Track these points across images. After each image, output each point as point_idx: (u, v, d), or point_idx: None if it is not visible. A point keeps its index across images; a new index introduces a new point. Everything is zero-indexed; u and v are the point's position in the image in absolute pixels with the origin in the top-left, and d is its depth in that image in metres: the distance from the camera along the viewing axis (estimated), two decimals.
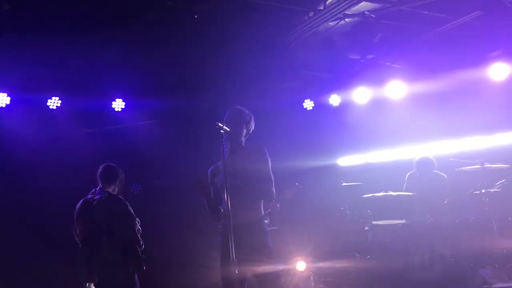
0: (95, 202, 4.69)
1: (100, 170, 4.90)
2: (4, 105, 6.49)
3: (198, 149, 7.02)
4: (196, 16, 5.96)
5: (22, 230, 6.43)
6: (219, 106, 7.14)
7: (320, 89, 8.46)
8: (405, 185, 6.84)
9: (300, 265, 6.89)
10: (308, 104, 8.55)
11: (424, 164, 6.76)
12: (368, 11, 6.18)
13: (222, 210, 3.72)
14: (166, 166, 7.43)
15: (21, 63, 6.35)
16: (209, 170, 4.11)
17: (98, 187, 4.84)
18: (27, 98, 6.69)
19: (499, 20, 6.11)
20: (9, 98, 6.52)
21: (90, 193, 4.84)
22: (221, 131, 3.69)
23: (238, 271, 3.36)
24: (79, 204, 4.80)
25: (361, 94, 8.02)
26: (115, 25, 6.02)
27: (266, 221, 4.00)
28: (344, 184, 7.21)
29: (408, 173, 6.93)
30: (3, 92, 6.48)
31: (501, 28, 6.29)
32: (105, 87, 7.29)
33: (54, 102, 6.90)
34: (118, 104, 7.43)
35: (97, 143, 7.07)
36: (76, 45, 6.25)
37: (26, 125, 6.69)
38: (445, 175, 6.66)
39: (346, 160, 8.77)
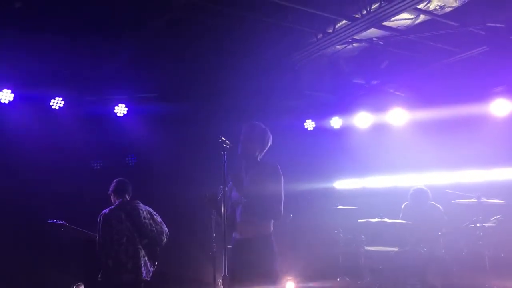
0: (138, 209, 5.21)
1: (119, 184, 5.34)
2: (7, 102, 6.48)
3: (199, 159, 7.04)
4: None
5: (21, 225, 6.41)
6: (221, 117, 7.27)
7: (322, 111, 8.50)
8: (401, 215, 6.81)
9: (290, 285, 6.86)
10: (310, 125, 8.59)
11: (418, 196, 6.74)
12: (376, 37, 6.24)
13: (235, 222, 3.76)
14: (167, 173, 7.43)
15: (27, 61, 6.37)
16: (228, 186, 3.99)
17: (122, 199, 5.26)
18: (30, 96, 6.70)
19: (505, 57, 6.18)
20: (12, 95, 6.52)
21: (117, 203, 5.24)
22: (224, 145, 3.70)
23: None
24: (107, 211, 5.14)
25: (362, 119, 8.06)
26: (123, 32, 6.08)
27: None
28: (339, 207, 7.19)
29: (404, 204, 6.91)
30: (8, 89, 6.48)
31: (506, 65, 6.37)
32: (109, 92, 7.32)
33: (57, 103, 6.91)
34: (121, 110, 7.44)
35: (96, 145, 7.09)
36: (83, 48, 6.28)
37: (28, 122, 6.70)
38: (440, 207, 6.65)
39: (343, 184, 8.77)
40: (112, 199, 5.34)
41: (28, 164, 6.63)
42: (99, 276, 5.08)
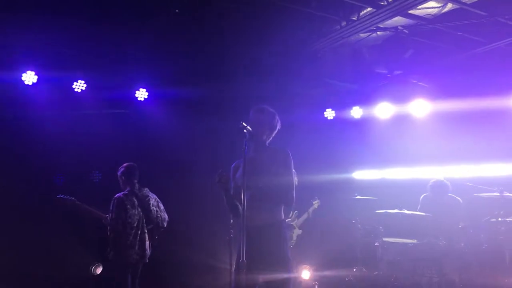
0: (148, 196, 5.56)
1: (129, 169, 5.55)
2: (31, 83, 6.55)
3: (219, 144, 7.05)
4: (177, 11, 5.91)
5: (43, 204, 6.51)
6: (241, 104, 7.23)
7: (342, 100, 8.42)
8: (419, 207, 6.74)
9: (305, 274, 6.86)
10: (329, 114, 8.52)
11: (438, 187, 6.65)
12: (401, 26, 6.12)
13: (240, 208, 3.70)
14: (186, 158, 7.47)
15: (50, 44, 6.43)
16: (232, 165, 4.02)
17: (133, 185, 5.48)
18: (53, 78, 6.75)
19: None
20: (36, 77, 6.59)
21: (129, 188, 5.45)
22: (244, 130, 3.65)
23: (249, 275, 3.30)
24: (122, 196, 5.39)
25: (383, 109, 7.96)
26: (144, 16, 6.08)
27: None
28: (358, 197, 7.14)
29: (422, 195, 6.83)
30: (31, 70, 6.55)
31: None
32: (130, 76, 7.36)
33: (79, 86, 6.97)
34: (142, 94, 7.48)
35: (117, 129, 7.17)
36: (105, 31, 6.31)
37: (51, 104, 6.78)
38: (460, 199, 6.56)
39: (362, 174, 8.71)
40: (122, 182, 5.53)
41: (50, 145, 6.72)
42: (110, 255, 5.33)
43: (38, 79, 6.59)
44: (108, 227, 5.36)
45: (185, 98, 7.53)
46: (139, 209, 5.40)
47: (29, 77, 6.54)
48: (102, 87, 7.17)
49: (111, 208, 5.34)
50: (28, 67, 6.54)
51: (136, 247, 5.32)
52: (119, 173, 5.54)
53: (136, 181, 5.53)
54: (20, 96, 6.62)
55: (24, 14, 5.68)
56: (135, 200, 5.42)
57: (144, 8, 5.94)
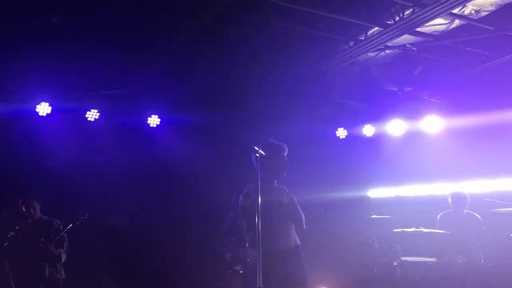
0: None
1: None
2: (45, 114, 6.66)
3: (231, 168, 7.04)
4: None
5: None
6: (253, 128, 7.27)
7: (354, 119, 8.41)
8: (437, 226, 6.63)
9: None
10: (341, 133, 8.50)
11: (458, 199, 6.54)
12: (410, 44, 6.15)
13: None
14: (198, 182, 7.47)
15: (63, 75, 6.55)
16: (242, 194, 4.03)
17: None
18: (67, 109, 6.87)
19: None
20: (50, 108, 6.70)
21: None
22: (257, 154, 3.66)
23: None
24: None
25: (396, 126, 7.92)
26: (155, 44, 6.18)
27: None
28: (374, 216, 7.06)
29: (440, 214, 6.72)
30: (45, 102, 6.66)
31: None
32: (142, 103, 7.44)
33: (92, 115, 7.06)
34: (154, 120, 7.55)
35: (131, 156, 7.22)
36: (117, 60, 6.42)
37: (66, 134, 6.87)
38: (478, 216, 6.45)
39: (377, 192, 8.63)
40: (38, 210, 5.58)
41: (65, 174, 6.78)
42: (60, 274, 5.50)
43: (52, 110, 6.70)
44: (64, 249, 5.50)
45: (196, 123, 7.56)
46: None
47: (43, 109, 6.65)
48: (115, 115, 7.25)
49: (65, 233, 5.49)
50: (42, 99, 6.66)
51: None
52: (36, 202, 5.57)
53: None
54: (35, 127, 6.72)
55: (35, 48, 5.80)
56: None
57: (155, 36, 6.04)
